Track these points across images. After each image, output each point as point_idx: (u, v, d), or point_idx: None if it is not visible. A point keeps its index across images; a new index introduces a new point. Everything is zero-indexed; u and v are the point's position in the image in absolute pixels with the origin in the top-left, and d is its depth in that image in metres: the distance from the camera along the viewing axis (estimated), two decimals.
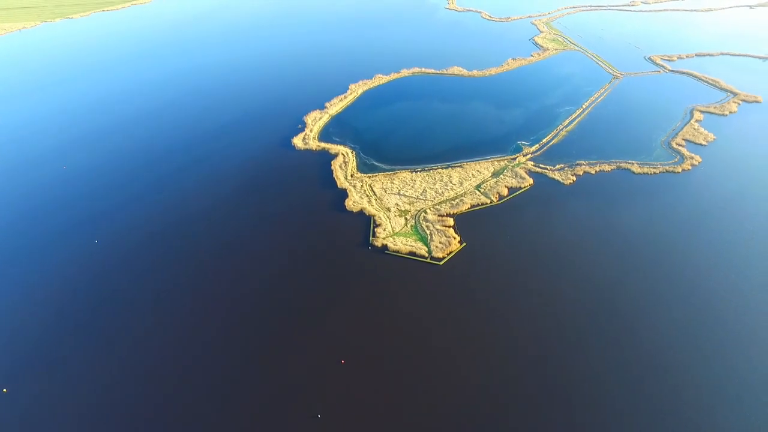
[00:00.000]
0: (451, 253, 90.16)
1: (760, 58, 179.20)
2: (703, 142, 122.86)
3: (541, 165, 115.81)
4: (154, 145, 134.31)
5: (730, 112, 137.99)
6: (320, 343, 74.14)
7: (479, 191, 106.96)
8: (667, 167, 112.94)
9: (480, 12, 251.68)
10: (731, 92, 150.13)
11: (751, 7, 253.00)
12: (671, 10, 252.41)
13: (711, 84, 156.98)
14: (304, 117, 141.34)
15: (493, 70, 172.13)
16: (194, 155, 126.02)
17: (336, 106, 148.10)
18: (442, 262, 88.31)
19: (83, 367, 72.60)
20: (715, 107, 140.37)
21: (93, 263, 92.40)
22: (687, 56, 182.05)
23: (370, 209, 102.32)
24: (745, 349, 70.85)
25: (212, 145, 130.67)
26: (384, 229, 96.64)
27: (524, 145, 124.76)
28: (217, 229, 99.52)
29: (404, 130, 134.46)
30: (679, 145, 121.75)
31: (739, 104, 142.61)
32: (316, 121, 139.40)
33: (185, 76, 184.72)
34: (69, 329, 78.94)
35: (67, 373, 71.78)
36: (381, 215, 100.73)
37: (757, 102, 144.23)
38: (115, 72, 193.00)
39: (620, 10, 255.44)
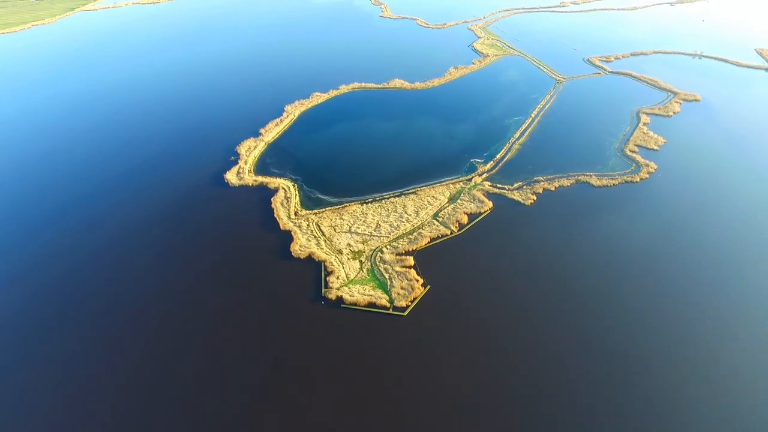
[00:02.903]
0: (415, 299, 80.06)
1: (690, 55, 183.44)
2: (655, 147, 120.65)
3: (498, 185, 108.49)
4: (52, 194, 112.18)
5: (674, 113, 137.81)
6: None
7: (437, 221, 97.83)
8: (625, 177, 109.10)
9: (415, 19, 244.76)
10: (671, 92, 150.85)
11: (671, 4, 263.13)
12: (600, 9, 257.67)
13: (650, 84, 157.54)
14: (237, 147, 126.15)
15: (436, 81, 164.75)
16: (108, 202, 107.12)
17: (272, 131, 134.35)
18: (406, 312, 78.00)
19: None
20: (659, 109, 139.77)
21: None
22: (623, 56, 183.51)
23: (320, 254, 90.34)
24: (725, 367, 65.80)
25: (129, 188, 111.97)
26: (337, 277, 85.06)
27: (478, 163, 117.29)
28: (137, 290, 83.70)
29: (349, 155, 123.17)
30: (633, 151, 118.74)
31: (680, 104, 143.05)
32: (250, 150, 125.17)
33: (91, 105, 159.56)
34: None
35: None
36: (332, 260, 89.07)
37: (696, 101, 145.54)
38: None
39: (552, 11, 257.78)
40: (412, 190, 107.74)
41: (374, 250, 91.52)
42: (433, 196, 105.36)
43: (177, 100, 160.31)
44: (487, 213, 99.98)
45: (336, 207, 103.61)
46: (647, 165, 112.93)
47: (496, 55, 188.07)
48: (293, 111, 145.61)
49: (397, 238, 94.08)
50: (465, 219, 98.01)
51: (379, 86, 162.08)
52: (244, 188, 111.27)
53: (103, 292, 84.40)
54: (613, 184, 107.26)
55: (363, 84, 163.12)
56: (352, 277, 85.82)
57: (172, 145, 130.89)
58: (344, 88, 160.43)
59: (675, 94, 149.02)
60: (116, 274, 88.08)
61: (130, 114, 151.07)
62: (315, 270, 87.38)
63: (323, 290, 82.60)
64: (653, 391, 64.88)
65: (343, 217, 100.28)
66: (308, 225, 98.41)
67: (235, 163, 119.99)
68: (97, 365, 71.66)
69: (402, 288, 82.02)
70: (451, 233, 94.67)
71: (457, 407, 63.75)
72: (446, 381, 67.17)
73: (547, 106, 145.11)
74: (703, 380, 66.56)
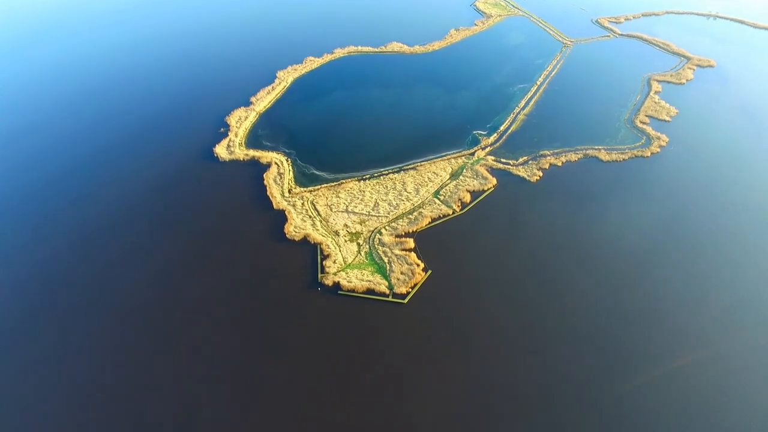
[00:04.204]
0: (415, 285, 76.44)
1: (704, 15, 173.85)
2: (667, 118, 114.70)
3: (502, 159, 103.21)
4: (26, 175, 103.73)
5: (687, 80, 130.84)
6: None
7: (438, 199, 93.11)
8: (635, 152, 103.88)
9: None
10: (684, 56, 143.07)
11: None
12: None
13: (662, 48, 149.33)
14: (227, 117, 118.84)
15: (436, 45, 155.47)
16: (88, 181, 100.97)
17: (263, 100, 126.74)
18: (406, 299, 74.54)
19: None
20: (671, 75, 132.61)
21: None
22: (633, 16, 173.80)
23: (316, 235, 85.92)
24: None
25: (111, 164, 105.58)
26: (334, 261, 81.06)
27: (481, 135, 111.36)
28: (121, 274, 79.48)
29: (345, 127, 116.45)
30: (643, 123, 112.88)
31: (693, 70, 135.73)
32: (241, 121, 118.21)
33: (66, 75, 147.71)
34: None
35: None
36: (329, 242, 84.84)
37: (711, 66, 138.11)
38: None
39: None
40: (412, 166, 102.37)
41: (372, 232, 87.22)
42: (434, 172, 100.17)
43: (161, 67, 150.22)
44: (490, 191, 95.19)
45: (332, 184, 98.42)
46: (658, 138, 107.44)
47: (500, 16, 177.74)
48: (286, 77, 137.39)
49: (397, 218, 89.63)
50: (468, 197, 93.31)
51: (376, 50, 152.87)
52: (235, 163, 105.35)
53: (87, 276, 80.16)
54: (623, 159, 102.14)
55: (359, 48, 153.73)
56: (349, 261, 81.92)
57: (157, 116, 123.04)
58: (339, 52, 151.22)
59: (688, 59, 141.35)
60: (99, 257, 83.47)
61: (109, 84, 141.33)
62: (311, 253, 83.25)
63: (319, 275, 78.76)
64: (660, 386, 62.57)
65: (340, 195, 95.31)
66: (303, 204, 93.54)
67: (225, 135, 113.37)
68: (82, 357, 68.46)
69: (402, 273, 78.29)
70: (453, 213, 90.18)
71: (458, 401, 61.29)
72: (448, 373, 64.48)
73: (553, 73, 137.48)
74: (706, 374, 64.33)
